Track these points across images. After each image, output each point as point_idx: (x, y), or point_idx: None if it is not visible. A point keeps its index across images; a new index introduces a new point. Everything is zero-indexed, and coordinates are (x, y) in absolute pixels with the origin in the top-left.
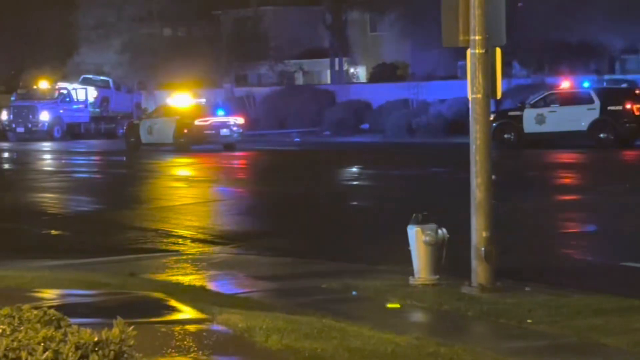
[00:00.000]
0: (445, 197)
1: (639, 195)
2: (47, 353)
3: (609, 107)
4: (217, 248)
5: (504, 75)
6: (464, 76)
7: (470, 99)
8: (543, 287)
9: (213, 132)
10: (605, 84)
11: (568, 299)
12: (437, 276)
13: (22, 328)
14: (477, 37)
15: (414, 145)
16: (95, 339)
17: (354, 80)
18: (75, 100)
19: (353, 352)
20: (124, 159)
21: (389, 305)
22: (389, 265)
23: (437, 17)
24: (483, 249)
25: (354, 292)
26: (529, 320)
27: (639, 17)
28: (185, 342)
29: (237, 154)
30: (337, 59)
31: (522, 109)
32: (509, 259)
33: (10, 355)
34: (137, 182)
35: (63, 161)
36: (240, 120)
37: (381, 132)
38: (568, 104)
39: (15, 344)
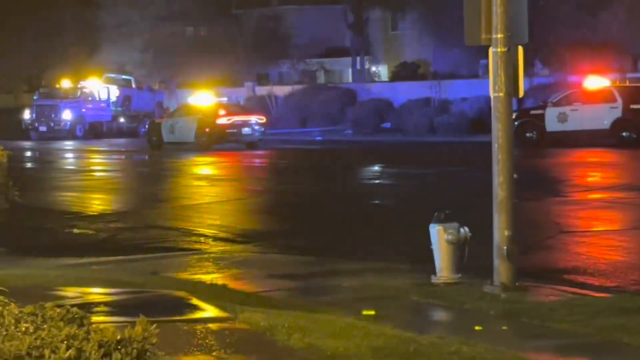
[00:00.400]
0: (467, 195)
1: None
2: (70, 351)
3: (632, 106)
4: (239, 247)
5: (525, 73)
6: (485, 75)
7: (492, 97)
8: (565, 286)
9: (235, 130)
10: (627, 82)
11: (590, 298)
12: (459, 275)
13: (45, 326)
14: (499, 36)
15: (436, 144)
16: (118, 337)
17: (376, 79)
18: (98, 99)
19: (375, 350)
20: (146, 157)
21: (364, 312)
22: (411, 264)
23: (459, 16)
24: (505, 247)
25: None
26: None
27: None
28: (207, 341)
29: (258, 152)
30: (358, 58)
31: (544, 107)
32: (530, 258)
33: (34, 353)
34: (159, 180)
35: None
36: (262, 119)
37: (402, 130)
38: (590, 102)
39: (38, 342)
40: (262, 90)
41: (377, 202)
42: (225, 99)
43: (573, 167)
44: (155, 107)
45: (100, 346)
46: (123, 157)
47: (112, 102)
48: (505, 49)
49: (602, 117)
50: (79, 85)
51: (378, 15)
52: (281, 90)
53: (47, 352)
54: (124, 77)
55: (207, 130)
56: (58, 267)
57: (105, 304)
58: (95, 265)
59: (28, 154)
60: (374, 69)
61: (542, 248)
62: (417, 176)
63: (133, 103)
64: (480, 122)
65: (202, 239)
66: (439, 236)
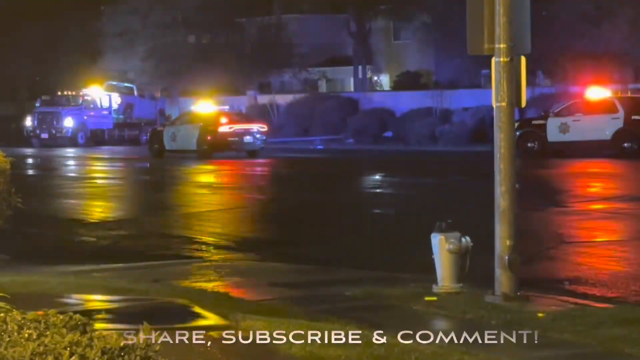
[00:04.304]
0: (469, 205)
1: None
2: (73, 358)
3: (633, 117)
4: (240, 255)
5: (528, 83)
6: (487, 85)
7: (494, 107)
8: (567, 296)
9: (236, 139)
10: (629, 93)
11: (592, 309)
12: (461, 284)
13: (48, 333)
14: (502, 45)
15: (437, 154)
16: (121, 344)
17: (377, 88)
18: (100, 106)
19: (376, 359)
20: (148, 165)
21: (427, 299)
22: (413, 274)
23: (462, 25)
24: (507, 257)
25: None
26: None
27: None
28: (209, 349)
29: (260, 161)
30: (360, 67)
31: (545, 117)
32: (532, 268)
33: (37, 359)
34: (161, 188)
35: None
36: (264, 127)
37: (404, 140)
38: (592, 113)
39: (41, 348)
40: (263, 99)
41: (378, 211)
42: (227, 107)
43: (574, 178)
44: (157, 115)
45: (103, 353)
46: (125, 164)
47: (114, 110)
48: (508, 59)
49: (604, 127)
50: (80, 93)
51: (381, 25)
52: (283, 99)
53: (50, 358)
54: (126, 84)
55: (208, 138)
56: (60, 274)
57: (108, 311)
58: (97, 273)
59: (30, 161)
60: (375, 78)
61: (544, 258)
62: (418, 185)
63: (135, 111)
64: (482, 131)
65: (203, 246)
66: (441, 246)
